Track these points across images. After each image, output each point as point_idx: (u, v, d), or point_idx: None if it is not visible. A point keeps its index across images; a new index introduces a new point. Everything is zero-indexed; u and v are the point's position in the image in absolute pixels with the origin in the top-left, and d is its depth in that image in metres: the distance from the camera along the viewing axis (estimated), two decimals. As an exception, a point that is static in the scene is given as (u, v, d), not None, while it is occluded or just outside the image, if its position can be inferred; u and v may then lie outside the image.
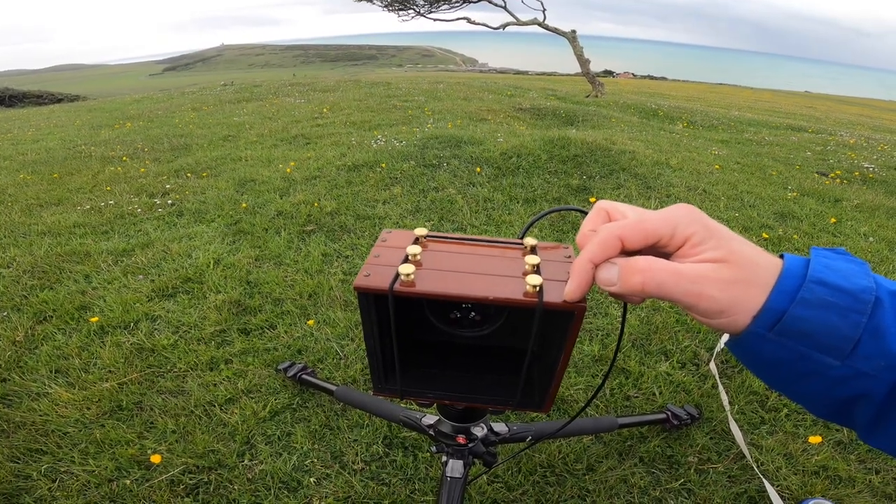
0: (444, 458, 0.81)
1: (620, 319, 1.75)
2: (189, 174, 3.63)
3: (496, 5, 11.57)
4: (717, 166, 3.89)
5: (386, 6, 12.02)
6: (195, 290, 1.93)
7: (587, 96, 10.75)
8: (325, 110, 6.21)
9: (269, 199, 2.93)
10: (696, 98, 15.09)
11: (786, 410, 1.40)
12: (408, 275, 0.40)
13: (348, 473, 1.16)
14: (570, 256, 0.47)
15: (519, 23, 11.66)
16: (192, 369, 1.50)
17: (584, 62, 11.66)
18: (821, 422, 1.37)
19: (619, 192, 2.99)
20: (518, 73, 52.02)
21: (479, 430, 0.80)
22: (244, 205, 2.84)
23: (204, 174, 3.62)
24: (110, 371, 1.48)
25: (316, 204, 2.74)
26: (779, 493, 1.11)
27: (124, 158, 4.31)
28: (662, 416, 1.25)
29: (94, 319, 1.72)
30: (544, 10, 11.38)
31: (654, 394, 1.45)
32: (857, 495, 1.15)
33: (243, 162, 3.93)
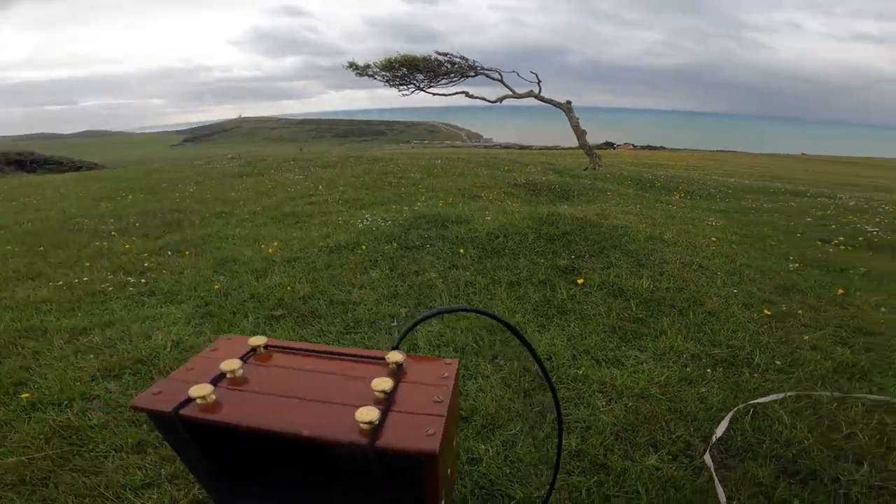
0: None
1: (596, 411, 1.56)
2: (171, 252, 3.58)
3: (493, 79, 12.17)
4: (713, 238, 3.79)
5: (386, 81, 12.66)
6: (143, 372, 1.86)
7: (585, 169, 10.95)
8: (320, 187, 6.31)
9: (245, 280, 2.84)
10: (694, 167, 15.40)
11: (797, 502, 1.22)
12: (203, 397, 0.33)
13: None
14: (446, 376, 0.36)
15: (515, 95, 12.21)
16: (115, 451, 1.42)
17: (580, 133, 12.03)
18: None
19: (608, 272, 2.86)
20: (522, 148, 53.89)
21: None
22: (217, 286, 2.74)
23: (187, 252, 3.57)
24: (25, 446, 1.44)
25: (289, 288, 2.64)
26: None
27: (113, 233, 4.31)
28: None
29: (25, 395, 1.69)
30: (539, 83, 11.95)
31: (638, 492, 1.27)
32: None
33: (230, 241, 3.89)
